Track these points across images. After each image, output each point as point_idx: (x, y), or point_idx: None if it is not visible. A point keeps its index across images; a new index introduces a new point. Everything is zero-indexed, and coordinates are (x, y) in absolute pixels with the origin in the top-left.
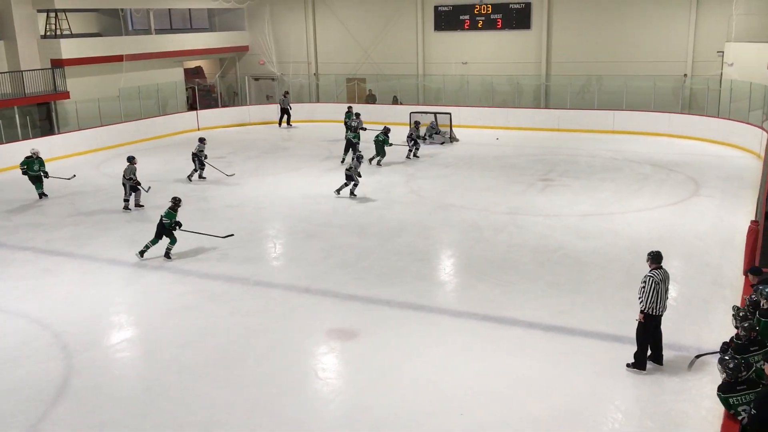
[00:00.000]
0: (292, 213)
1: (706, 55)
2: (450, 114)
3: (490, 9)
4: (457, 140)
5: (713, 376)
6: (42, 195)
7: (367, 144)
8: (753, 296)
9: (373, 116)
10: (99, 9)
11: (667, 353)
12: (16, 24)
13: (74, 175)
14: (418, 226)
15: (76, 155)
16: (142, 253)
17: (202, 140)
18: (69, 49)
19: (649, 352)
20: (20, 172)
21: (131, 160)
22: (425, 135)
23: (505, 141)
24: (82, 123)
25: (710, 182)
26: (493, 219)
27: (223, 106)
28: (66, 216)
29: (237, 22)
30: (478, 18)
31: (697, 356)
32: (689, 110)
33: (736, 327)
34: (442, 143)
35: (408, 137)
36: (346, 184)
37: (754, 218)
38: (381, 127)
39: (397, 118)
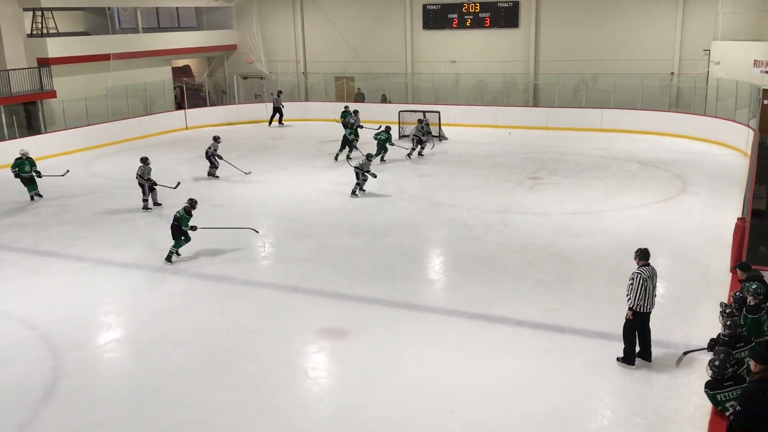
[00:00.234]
0: (282, 212)
1: (692, 53)
2: (439, 113)
3: (478, 7)
4: (446, 138)
5: (701, 372)
6: (35, 196)
7: (367, 142)
8: (739, 293)
9: (362, 115)
10: (86, 8)
11: (655, 350)
12: (1, 23)
13: (68, 171)
14: (408, 225)
15: (62, 155)
16: (168, 258)
17: (216, 138)
18: (55, 48)
19: (637, 349)
20: (12, 174)
21: (145, 161)
22: (413, 135)
23: (493, 139)
24: (69, 122)
25: (697, 180)
26: (483, 217)
27: (212, 105)
28: (54, 216)
29: (225, 20)
30: (466, 16)
31: (685, 353)
32: (676, 108)
33: (723, 324)
34: (432, 147)
35: (413, 136)
36: (358, 184)
37: (740, 215)
38: (375, 126)
39: (385, 117)
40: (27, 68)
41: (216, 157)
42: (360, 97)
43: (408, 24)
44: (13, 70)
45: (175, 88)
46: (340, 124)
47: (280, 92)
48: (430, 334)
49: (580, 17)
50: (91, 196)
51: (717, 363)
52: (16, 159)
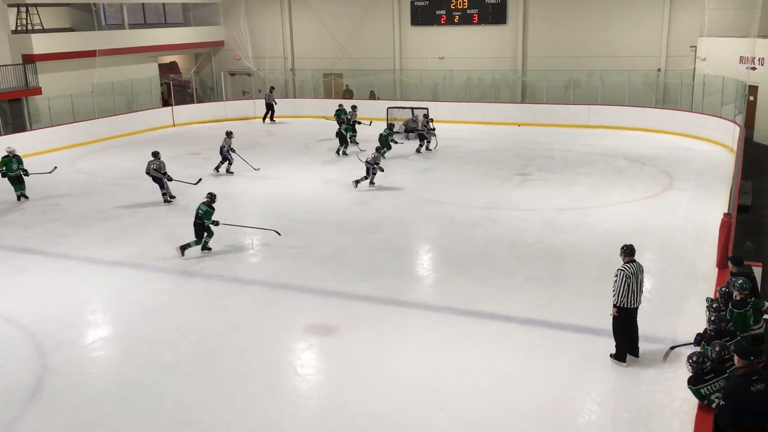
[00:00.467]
0: (270, 209)
1: (679, 50)
2: (427, 109)
3: (466, 4)
4: (434, 135)
5: None
6: (22, 196)
7: (367, 139)
8: (725, 288)
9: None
10: (71, 3)
11: (642, 345)
12: None
13: (55, 168)
14: (395, 222)
15: (48, 152)
16: (207, 248)
17: (229, 134)
18: (40, 44)
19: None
20: None
21: (157, 155)
22: (419, 131)
23: (481, 136)
24: (54, 119)
25: (683, 176)
26: (471, 214)
27: (199, 101)
28: (40, 214)
29: (212, 16)
30: (454, 13)
31: (672, 347)
32: (663, 105)
33: (709, 318)
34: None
35: (418, 132)
36: (365, 177)
37: (726, 211)
38: (366, 122)
39: (374, 114)
40: (12, 65)
41: (229, 152)
42: (348, 94)
43: (396, 20)
44: None
45: (161, 84)
46: (334, 121)
47: (272, 89)
48: (419, 331)
49: (568, 14)
50: (77, 193)
51: (694, 358)
52: (3, 157)
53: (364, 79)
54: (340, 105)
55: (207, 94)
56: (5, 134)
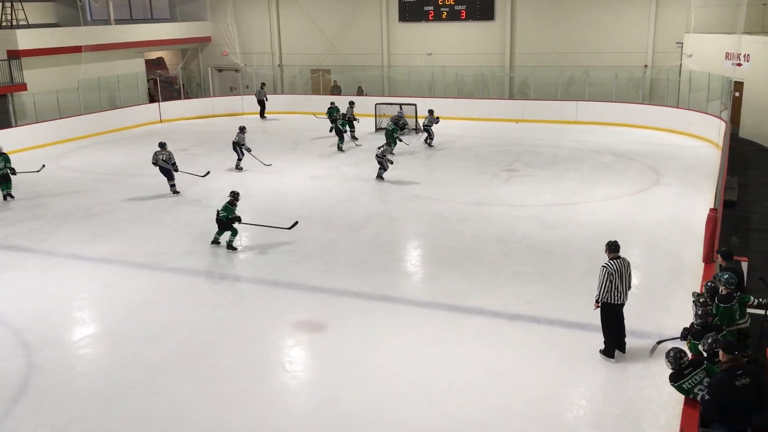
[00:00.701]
0: (258, 206)
1: (665, 46)
2: (415, 105)
3: (453, 0)
4: (423, 131)
5: None
6: (8, 196)
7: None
8: (711, 283)
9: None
10: None
11: (629, 340)
12: None
13: (44, 166)
14: (384, 218)
15: (34, 148)
16: (216, 242)
17: (242, 129)
18: (26, 39)
19: None
20: None
21: (164, 145)
22: (424, 126)
23: (469, 132)
24: (40, 115)
25: (670, 171)
26: (459, 209)
27: (186, 97)
28: (25, 210)
29: (199, 12)
30: (442, 9)
31: (659, 342)
32: (649, 101)
33: (695, 313)
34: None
35: (424, 127)
36: (382, 170)
37: (712, 206)
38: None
39: (362, 110)
40: None
41: (241, 148)
42: (336, 90)
43: (384, 16)
44: None
45: (148, 80)
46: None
47: (263, 84)
48: (407, 326)
49: (555, 10)
50: (63, 190)
51: (672, 354)
52: None
53: (352, 75)
54: (332, 103)
55: (194, 90)
56: None
